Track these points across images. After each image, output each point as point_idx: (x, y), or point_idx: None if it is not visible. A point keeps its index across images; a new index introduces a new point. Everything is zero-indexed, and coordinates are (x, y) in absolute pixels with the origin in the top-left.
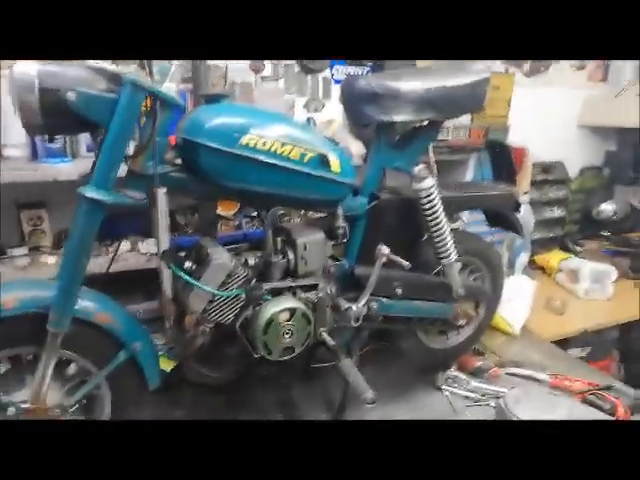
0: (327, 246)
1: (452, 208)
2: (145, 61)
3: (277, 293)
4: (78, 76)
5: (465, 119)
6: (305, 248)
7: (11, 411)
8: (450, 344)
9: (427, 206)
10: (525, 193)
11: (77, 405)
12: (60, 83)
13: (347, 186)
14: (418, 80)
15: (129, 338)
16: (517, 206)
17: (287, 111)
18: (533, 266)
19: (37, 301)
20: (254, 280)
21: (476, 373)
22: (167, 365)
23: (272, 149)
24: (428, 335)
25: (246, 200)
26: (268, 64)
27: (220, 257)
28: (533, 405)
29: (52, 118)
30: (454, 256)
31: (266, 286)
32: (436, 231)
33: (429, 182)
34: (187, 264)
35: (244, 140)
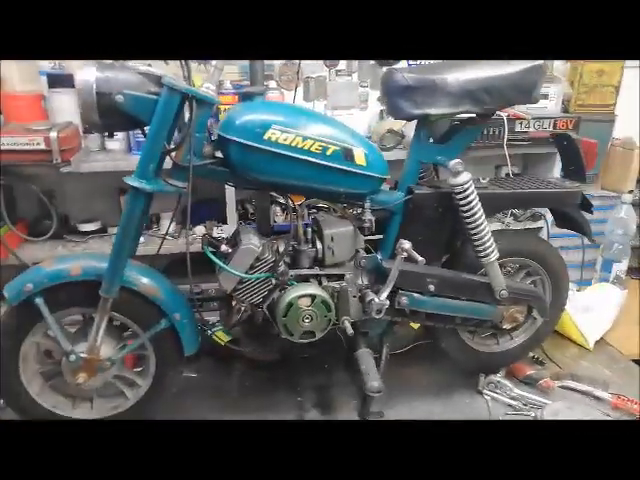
0: (358, 239)
1: (504, 206)
2: (183, 64)
3: (304, 280)
4: (128, 80)
5: (554, 109)
6: (332, 239)
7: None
8: (499, 349)
9: (463, 202)
10: (630, 192)
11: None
12: (113, 87)
13: (374, 179)
14: (455, 72)
15: (170, 309)
16: (587, 206)
17: (360, 104)
18: (638, 275)
19: (95, 270)
20: (282, 266)
21: (527, 382)
22: (223, 339)
23: (293, 143)
24: (474, 337)
25: (277, 191)
26: None
27: (249, 242)
28: None
29: (108, 117)
30: (494, 255)
31: (293, 272)
32: (473, 228)
33: (464, 177)
34: (224, 247)
35: (266, 135)
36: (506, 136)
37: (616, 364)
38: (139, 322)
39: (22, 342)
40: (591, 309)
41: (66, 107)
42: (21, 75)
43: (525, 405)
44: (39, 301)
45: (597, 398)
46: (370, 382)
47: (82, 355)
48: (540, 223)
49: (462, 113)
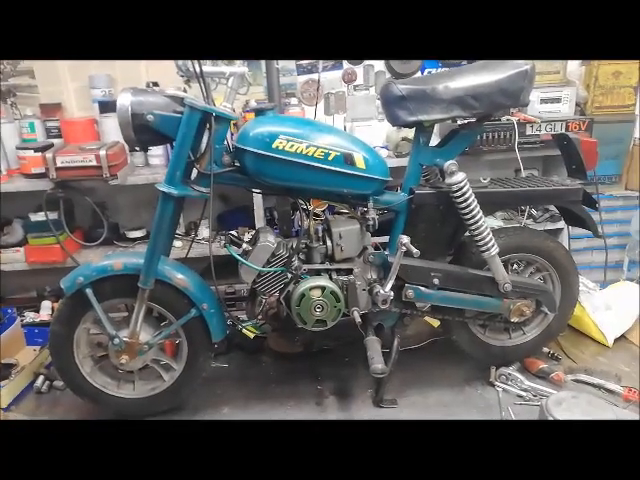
0: (365, 236)
1: (504, 203)
2: (202, 85)
3: (316, 274)
4: (157, 102)
5: (567, 111)
6: (340, 236)
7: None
8: (511, 343)
9: (460, 200)
10: None
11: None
12: (145, 108)
13: (375, 181)
14: (445, 81)
15: (199, 299)
16: (590, 202)
17: (378, 115)
18: None
19: (134, 265)
20: (296, 261)
21: (540, 375)
22: (251, 333)
23: (298, 151)
24: (486, 330)
25: (290, 195)
26: (360, 74)
27: (265, 240)
28: (576, 409)
29: (141, 134)
30: (494, 249)
31: (306, 267)
32: (472, 224)
33: (459, 176)
34: (244, 245)
35: (275, 144)
36: (516, 139)
37: (635, 361)
38: (172, 311)
39: (75, 328)
40: (611, 307)
41: (114, 129)
42: (78, 103)
43: (535, 396)
44: (89, 291)
45: (609, 391)
46: (374, 364)
47: (124, 339)
48: (560, 224)
49: (453, 118)
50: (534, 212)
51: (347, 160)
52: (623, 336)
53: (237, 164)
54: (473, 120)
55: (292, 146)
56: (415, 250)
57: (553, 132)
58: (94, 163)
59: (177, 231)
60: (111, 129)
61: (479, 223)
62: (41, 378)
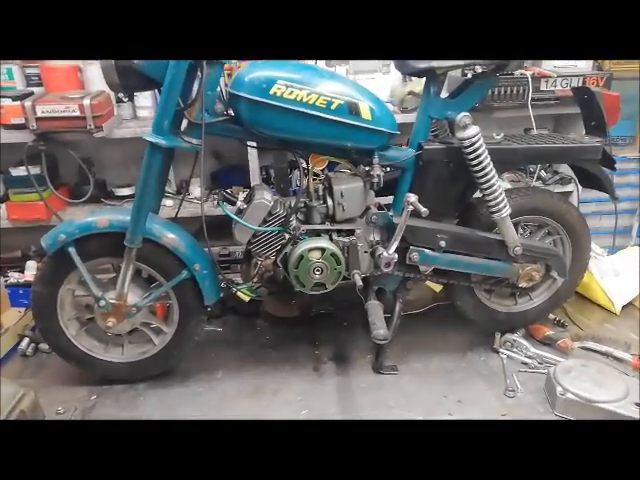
0: (368, 195)
1: (519, 161)
2: None
3: (315, 234)
4: None
5: (584, 67)
6: (342, 195)
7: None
8: (517, 309)
9: (472, 156)
10: None
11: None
12: None
13: (381, 134)
14: None
15: (190, 259)
16: (609, 162)
17: (382, 68)
18: None
19: (120, 223)
20: (294, 221)
21: (546, 342)
22: (247, 296)
23: (298, 98)
24: (491, 296)
25: (288, 148)
26: None
27: (261, 198)
28: (584, 378)
29: (126, 79)
30: (506, 211)
31: (305, 227)
32: (483, 183)
33: (472, 130)
34: (239, 204)
35: (272, 90)
36: (530, 95)
37: None
38: (162, 272)
39: (58, 289)
40: (620, 273)
41: (99, 77)
42: None
43: (540, 364)
44: (71, 250)
45: (617, 359)
46: (377, 330)
47: (111, 301)
48: (570, 187)
49: (468, 66)
50: (543, 174)
51: (352, 110)
52: (630, 303)
53: (231, 113)
54: (487, 70)
55: (291, 93)
56: (424, 209)
57: (572, 86)
58: (77, 113)
59: (168, 189)
60: (96, 77)
61: (492, 182)
62: (26, 340)
